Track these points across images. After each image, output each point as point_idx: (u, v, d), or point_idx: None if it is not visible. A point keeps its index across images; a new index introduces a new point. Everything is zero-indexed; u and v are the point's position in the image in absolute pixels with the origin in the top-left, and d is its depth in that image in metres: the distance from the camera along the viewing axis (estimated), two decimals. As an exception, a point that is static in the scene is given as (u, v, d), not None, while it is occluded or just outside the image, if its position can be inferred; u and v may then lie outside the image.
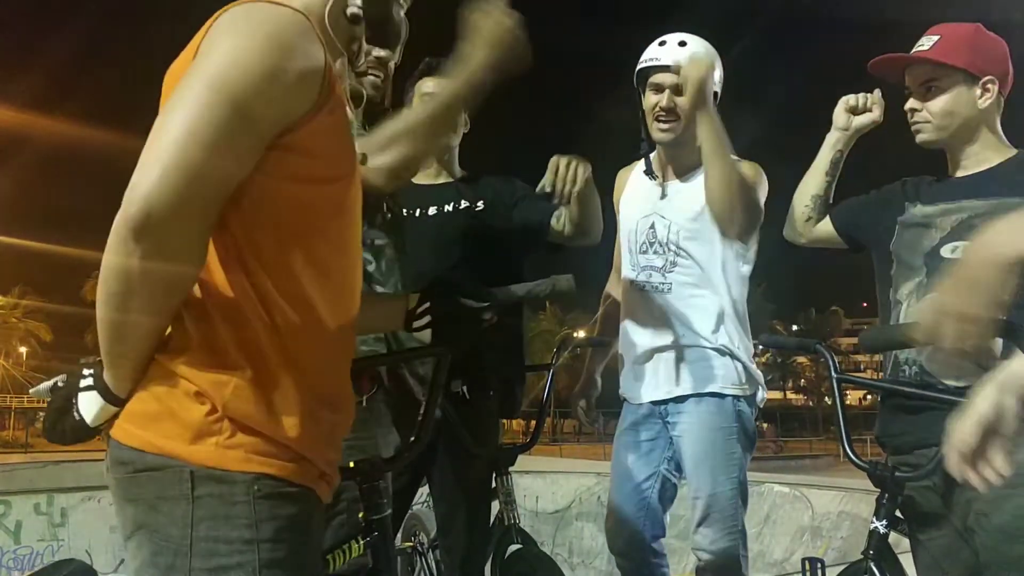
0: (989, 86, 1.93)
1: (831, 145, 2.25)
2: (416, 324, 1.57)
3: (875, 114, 2.21)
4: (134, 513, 1.11)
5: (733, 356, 2.42)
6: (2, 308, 42.84)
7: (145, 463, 1.09)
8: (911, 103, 1.98)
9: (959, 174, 1.99)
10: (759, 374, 2.50)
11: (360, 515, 1.55)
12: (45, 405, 1.18)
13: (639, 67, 2.50)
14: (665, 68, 2.43)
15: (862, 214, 2.18)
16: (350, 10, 1.30)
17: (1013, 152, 1.96)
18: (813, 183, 2.26)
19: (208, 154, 1.01)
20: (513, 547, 2.29)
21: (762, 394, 2.49)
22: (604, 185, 2.80)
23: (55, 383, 1.17)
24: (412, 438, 1.62)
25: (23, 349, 44.27)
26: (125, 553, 1.14)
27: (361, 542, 1.52)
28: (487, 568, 2.35)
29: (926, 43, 1.95)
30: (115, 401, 1.13)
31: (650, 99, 2.47)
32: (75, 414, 1.13)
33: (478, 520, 2.38)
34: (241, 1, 1.11)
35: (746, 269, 2.51)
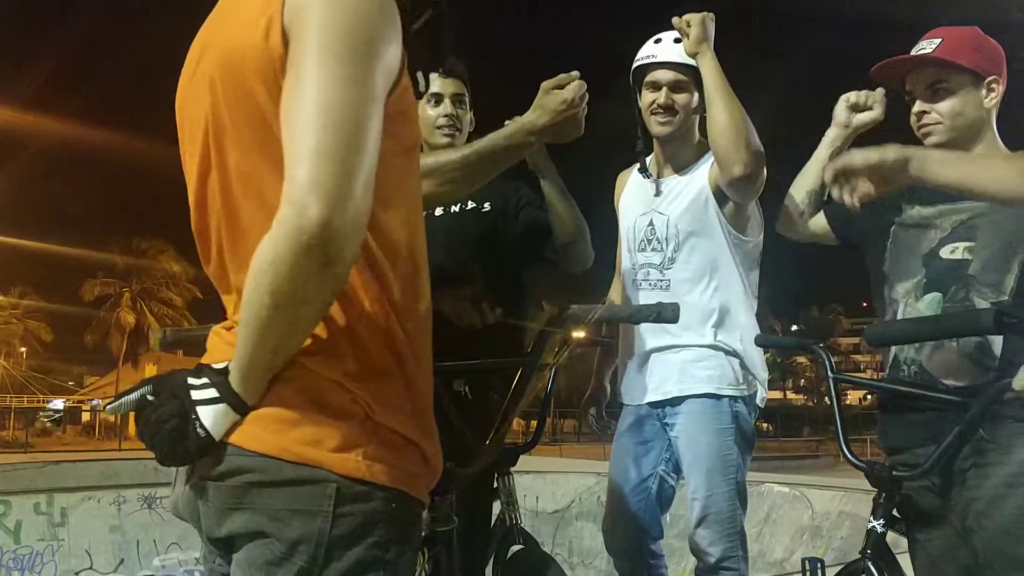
0: (994, 86, 1.93)
1: (829, 141, 2.23)
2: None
3: (876, 112, 2.19)
4: (245, 521, 1.01)
5: (732, 354, 2.40)
6: (2, 308, 42.81)
7: (280, 473, 0.99)
8: (919, 105, 1.95)
9: None
10: (763, 373, 2.47)
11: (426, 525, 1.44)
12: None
13: (635, 65, 2.49)
14: (661, 65, 2.43)
15: (858, 215, 2.17)
16: None
17: (1010, 154, 1.96)
18: (809, 179, 2.24)
19: (363, 133, 0.94)
20: (515, 548, 2.29)
21: (762, 393, 2.47)
22: (603, 186, 2.81)
23: (141, 396, 1.03)
24: (487, 441, 1.56)
25: (23, 349, 44.26)
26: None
27: (425, 555, 1.41)
28: (488, 569, 2.34)
29: (927, 46, 1.93)
30: (246, 412, 1.02)
31: (647, 97, 2.47)
32: (198, 431, 0.99)
33: (479, 521, 2.37)
34: None
35: (751, 261, 2.48)
